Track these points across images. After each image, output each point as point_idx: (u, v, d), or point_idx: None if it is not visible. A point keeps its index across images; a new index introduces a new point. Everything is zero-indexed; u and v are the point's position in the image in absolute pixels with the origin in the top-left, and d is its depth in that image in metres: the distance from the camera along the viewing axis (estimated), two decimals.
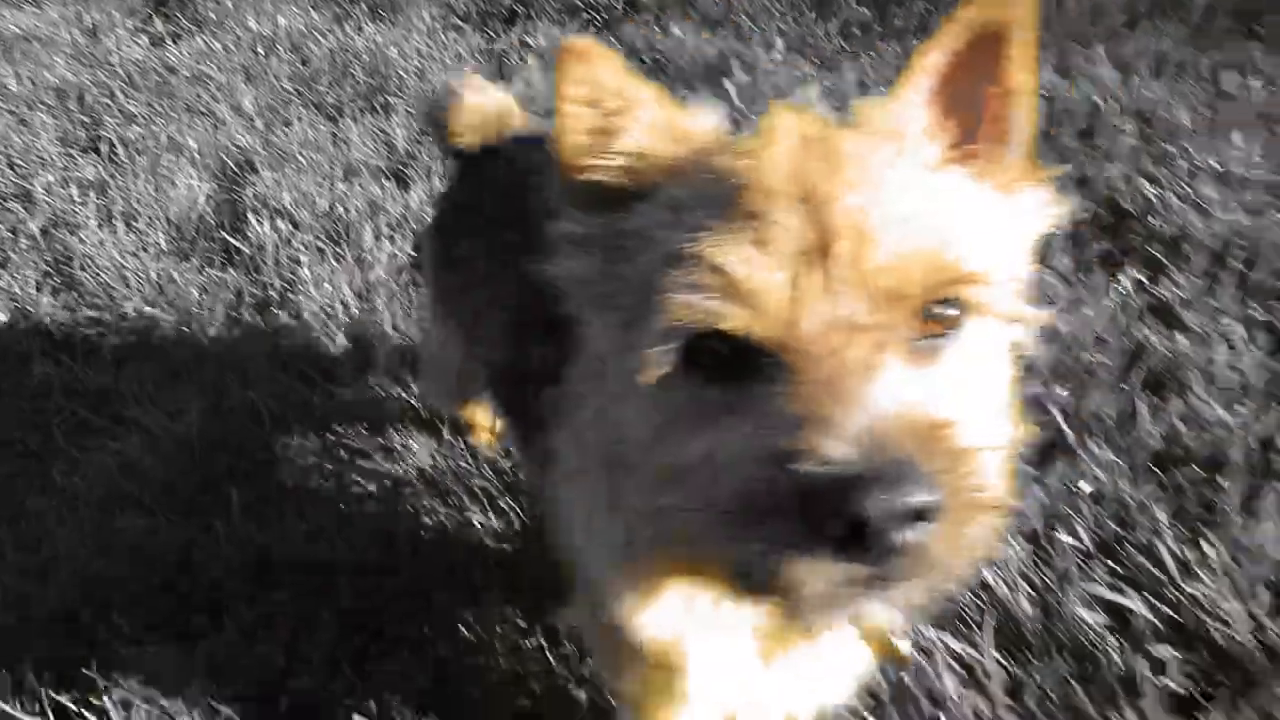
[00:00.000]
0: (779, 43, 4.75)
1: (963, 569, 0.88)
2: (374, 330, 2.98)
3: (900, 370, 0.89)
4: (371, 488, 2.48)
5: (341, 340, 2.98)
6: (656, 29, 5.08)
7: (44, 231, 3.74)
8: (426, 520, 2.37)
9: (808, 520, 0.81)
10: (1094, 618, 2.00)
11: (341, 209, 3.58)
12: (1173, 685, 1.87)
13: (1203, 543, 2.07)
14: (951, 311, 0.95)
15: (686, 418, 0.96)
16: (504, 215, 1.84)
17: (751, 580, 0.90)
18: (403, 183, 3.80)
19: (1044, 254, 3.01)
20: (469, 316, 1.97)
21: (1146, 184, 3.32)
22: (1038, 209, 1.10)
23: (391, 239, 3.41)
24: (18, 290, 3.40)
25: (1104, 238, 3.12)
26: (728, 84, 4.27)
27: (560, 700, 1.98)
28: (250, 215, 3.59)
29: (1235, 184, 3.30)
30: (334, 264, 3.32)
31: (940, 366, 0.95)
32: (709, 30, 5.01)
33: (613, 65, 1.04)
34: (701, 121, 1.08)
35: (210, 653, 2.08)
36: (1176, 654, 1.92)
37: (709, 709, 1.38)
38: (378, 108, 4.50)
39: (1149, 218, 3.13)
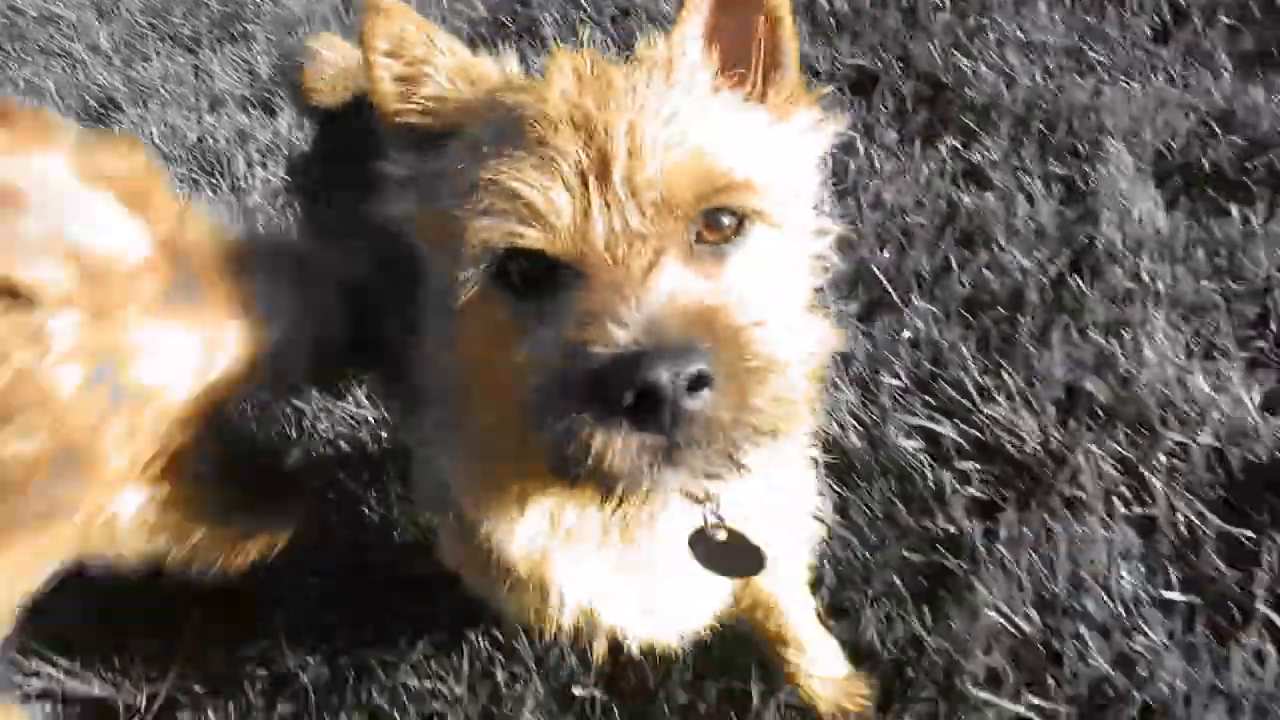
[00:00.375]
0: None
1: (753, 431, 0.99)
2: None
3: (679, 270, 1.01)
4: None
5: None
6: None
7: None
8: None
9: (601, 398, 0.93)
10: (911, 445, 2.32)
11: (211, 140, 3.68)
12: (975, 493, 2.21)
13: (1003, 372, 2.40)
14: (728, 220, 1.08)
15: (506, 330, 1.08)
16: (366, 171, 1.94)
17: (566, 466, 0.99)
18: (269, 110, 3.90)
19: (870, 130, 3.31)
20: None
21: (962, 57, 3.60)
22: (811, 128, 1.23)
23: (264, 165, 3.54)
24: None
25: (924, 109, 3.40)
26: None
27: None
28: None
29: (1038, 51, 3.59)
30: (210, 194, 3.44)
31: (726, 270, 1.08)
32: None
33: (413, 19, 1.18)
34: (494, 65, 1.21)
35: None
36: (978, 466, 2.26)
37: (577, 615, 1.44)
38: (236, 36, 4.54)
39: (964, 89, 3.41)
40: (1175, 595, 2.00)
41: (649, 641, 1.50)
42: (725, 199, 1.07)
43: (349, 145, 2.08)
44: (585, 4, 4.09)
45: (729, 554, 1.31)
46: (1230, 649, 1.89)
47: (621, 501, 1.06)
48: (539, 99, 1.08)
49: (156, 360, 1.10)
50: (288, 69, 2.24)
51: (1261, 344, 2.46)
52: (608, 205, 1.02)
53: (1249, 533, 2.10)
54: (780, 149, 1.19)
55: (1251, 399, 2.30)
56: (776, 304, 1.11)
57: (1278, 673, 1.86)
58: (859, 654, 1.98)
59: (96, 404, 1.05)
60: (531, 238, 1.02)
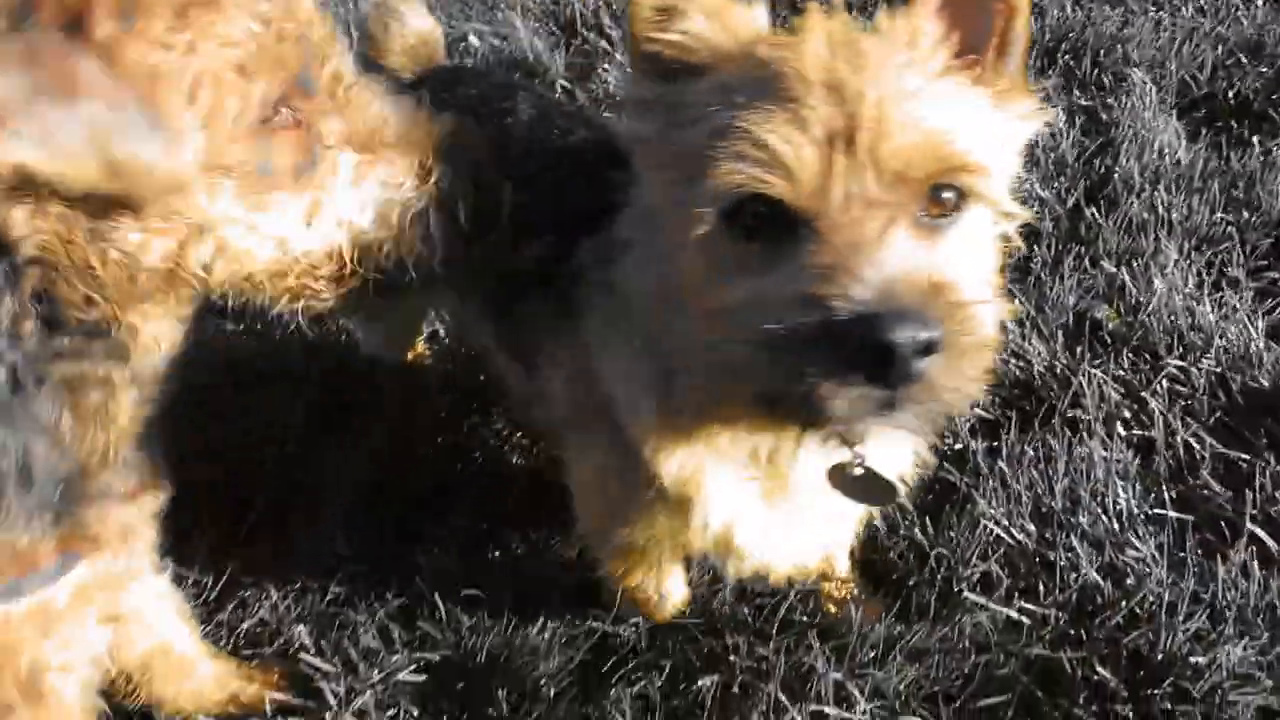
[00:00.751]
0: None
1: (958, 399, 1.09)
2: None
3: (908, 239, 1.09)
4: None
5: None
6: None
7: None
8: None
9: (838, 350, 1.02)
10: None
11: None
12: (981, 413, 2.32)
13: (1015, 299, 2.49)
14: (951, 196, 1.15)
15: (730, 267, 1.16)
16: None
17: (782, 404, 1.12)
18: None
19: None
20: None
21: None
22: (1026, 116, 1.28)
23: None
24: None
25: None
26: None
27: None
28: None
29: None
30: None
31: (943, 242, 1.14)
32: None
33: None
34: (750, 15, 1.27)
35: None
36: (987, 390, 2.36)
37: (719, 541, 1.56)
38: None
39: None
40: (1168, 513, 2.11)
41: (767, 566, 1.62)
42: (954, 177, 1.14)
43: None
44: None
45: (866, 486, 1.43)
46: (1217, 564, 2.01)
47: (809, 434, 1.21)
48: (796, 57, 1.13)
49: None
50: (372, 20, 2.18)
51: (1273, 274, 2.54)
52: (849, 168, 1.08)
53: (1245, 456, 2.21)
54: (997, 133, 1.24)
55: (1257, 327, 2.38)
56: (979, 280, 1.19)
57: (1261, 586, 1.98)
58: (869, 562, 2.12)
59: None
60: (776, 187, 1.09)
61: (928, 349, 1.01)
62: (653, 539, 1.66)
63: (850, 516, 1.67)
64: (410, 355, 2.61)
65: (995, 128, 1.23)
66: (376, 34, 2.13)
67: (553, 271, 1.63)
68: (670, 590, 1.89)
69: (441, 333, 2.69)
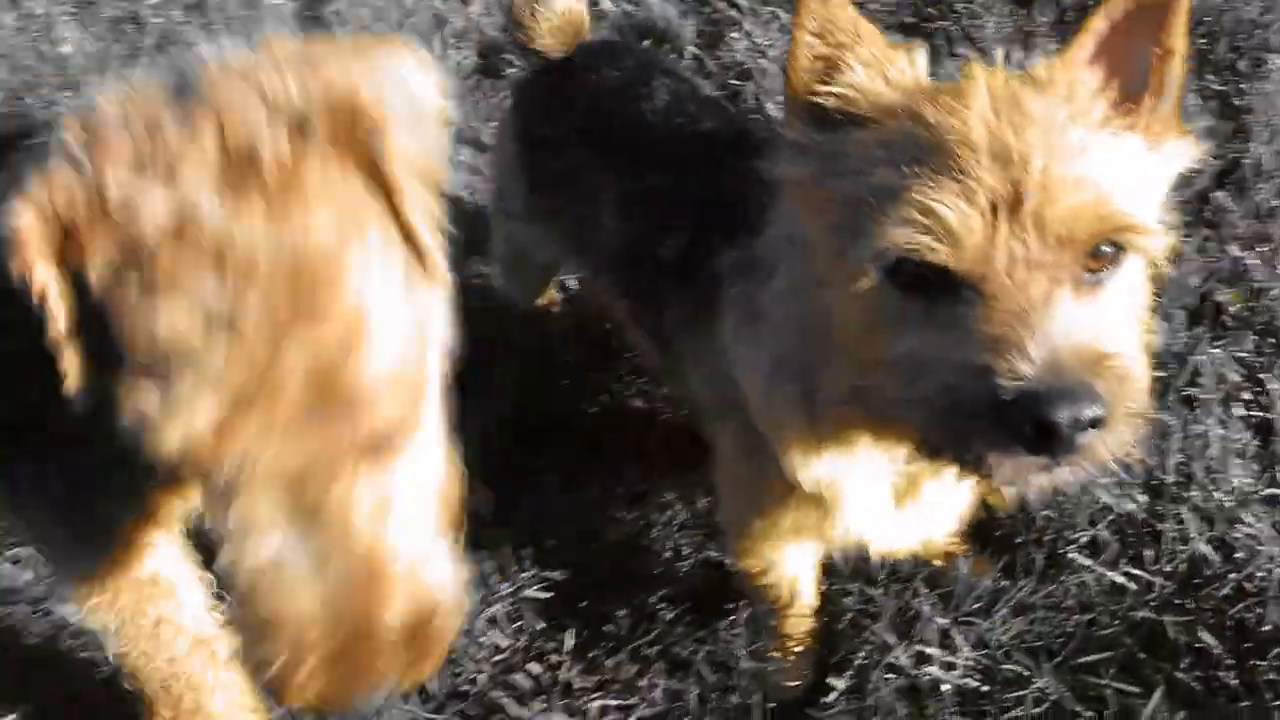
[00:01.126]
0: None
1: (1115, 458, 1.15)
2: None
3: (1072, 303, 1.12)
4: None
5: None
6: None
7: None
8: None
9: (1004, 424, 1.09)
10: None
11: (411, 22, 3.98)
12: None
13: None
14: (1110, 250, 1.18)
15: (891, 322, 1.21)
16: (609, 120, 2.02)
17: (940, 456, 1.22)
18: None
19: (1029, 39, 3.37)
20: (575, 213, 2.07)
21: None
22: (1180, 156, 1.29)
23: (458, 49, 3.83)
24: None
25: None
26: None
27: None
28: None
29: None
30: None
31: (1102, 299, 1.17)
32: None
33: (846, 6, 1.28)
34: (911, 68, 1.29)
35: None
36: None
37: (850, 539, 1.65)
38: None
39: None
40: None
41: (888, 553, 1.73)
42: (1117, 236, 1.18)
43: (542, 98, 2.21)
44: None
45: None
46: None
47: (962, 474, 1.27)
48: (961, 122, 1.17)
49: None
50: (516, 9, 2.21)
51: None
52: (1014, 233, 1.13)
53: None
54: (1153, 177, 1.26)
55: None
56: (1135, 328, 1.24)
57: None
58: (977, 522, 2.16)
59: None
60: (942, 254, 1.14)
61: (1092, 424, 1.08)
62: (781, 530, 1.73)
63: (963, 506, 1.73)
64: (542, 302, 2.72)
65: (1151, 171, 1.25)
66: (523, 20, 2.18)
67: (693, 269, 1.71)
68: (801, 590, 1.90)
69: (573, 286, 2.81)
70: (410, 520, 1.13)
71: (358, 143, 1.09)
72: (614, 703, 1.91)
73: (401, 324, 1.08)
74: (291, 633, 1.08)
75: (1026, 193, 1.12)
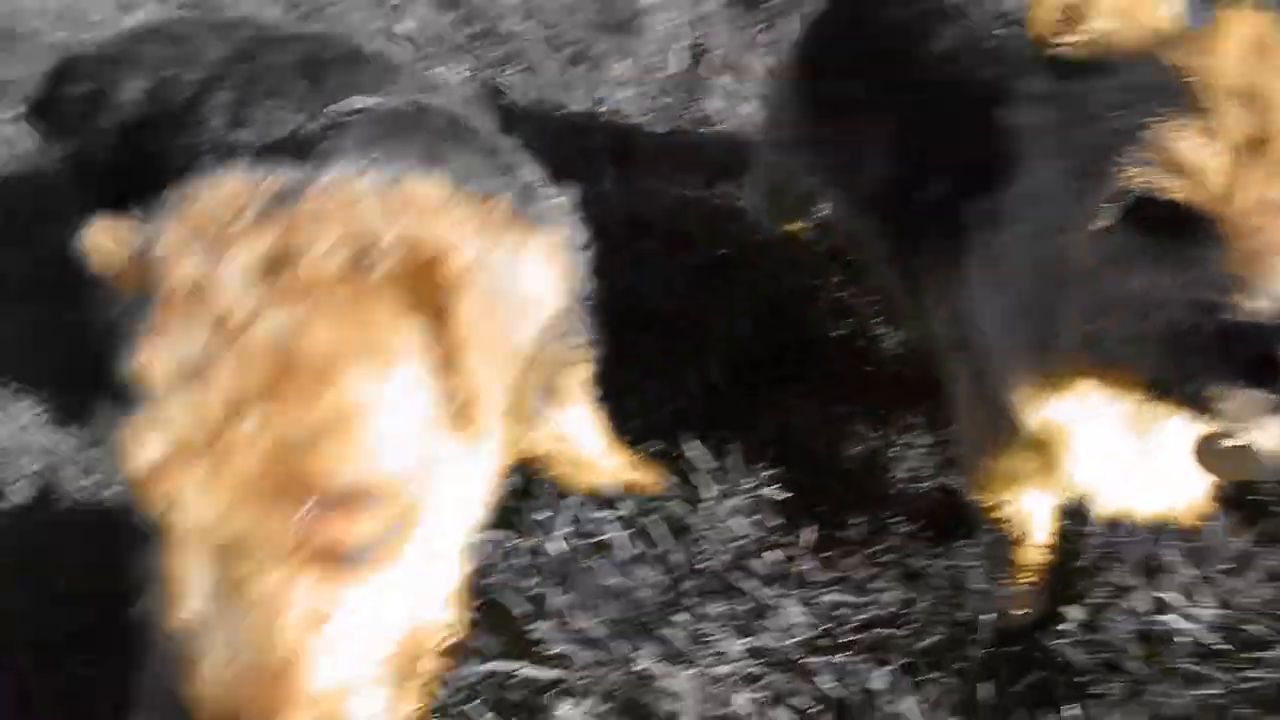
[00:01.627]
0: None
1: None
2: None
3: None
4: None
5: None
6: None
7: None
8: None
9: (1233, 357, 1.09)
10: None
11: None
12: None
13: None
14: None
15: (1124, 261, 1.22)
16: (892, 59, 2.02)
17: (1170, 395, 1.21)
18: None
19: None
20: (848, 148, 2.09)
21: None
22: None
23: None
24: None
25: None
26: None
27: None
28: None
29: None
30: None
31: None
32: None
33: None
34: (1161, 11, 1.29)
35: None
36: None
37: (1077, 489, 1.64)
38: None
39: None
40: None
41: (1129, 510, 1.68)
42: None
43: (829, 28, 2.24)
44: None
45: (1234, 458, 1.45)
46: None
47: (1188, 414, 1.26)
48: (1210, 63, 1.17)
49: None
50: None
51: None
52: (1259, 175, 1.12)
53: None
54: None
55: None
56: None
57: None
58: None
59: None
60: (1183, 192, 1.15)
61: None
62: (1010, 472, 1.75)
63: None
64: (792, 227, 2.78)
65: None
66: None
67: (948, 213, 1.69)
68: (1035, 526, 1.91)
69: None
70: (344, 647, 1.07)
71: (427, 294, 1.13)
72: (848, 598, 1.98)
73: (402, 451, 1.08)
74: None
75: (1275, 135, 1.11)
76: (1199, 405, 1.18)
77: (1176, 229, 1.17)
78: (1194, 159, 1.13)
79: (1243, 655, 1.85)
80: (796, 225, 2.78)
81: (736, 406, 2.32)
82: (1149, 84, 1.22)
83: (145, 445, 1.00)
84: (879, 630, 1.96)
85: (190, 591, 1.01)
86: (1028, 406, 1.53)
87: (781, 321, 2.55)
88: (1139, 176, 1.17)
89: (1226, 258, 1.12)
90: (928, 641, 1.94)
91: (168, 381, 1.01)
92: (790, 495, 2.13)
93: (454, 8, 3.94)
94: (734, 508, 2.10)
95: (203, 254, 1.08)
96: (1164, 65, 1.22)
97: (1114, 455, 1.55)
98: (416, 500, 1.10)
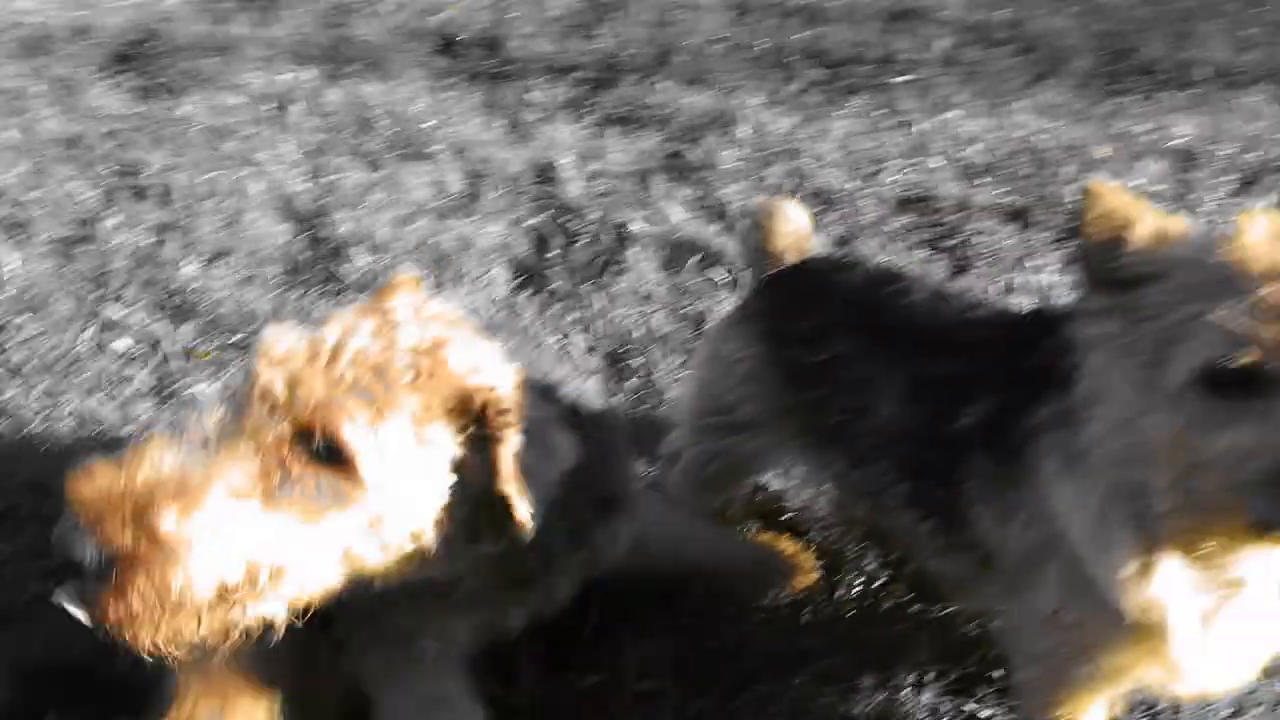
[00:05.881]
0: (757, 98, 5.45)
1: None
2: None
3: None
4: None
5: None
6: (649, 84, 5.74)
7: (135, 268, 4.10)
8: None
9: None
10: None
11: (432, 242, 4.12)
12: None
13: None
14: None
15: (1209, 423, 1.43)
16: (877, 313, 2.23)
17: (1273, 527, 1.40)
18: (468, 215, 4.39)
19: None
20: (840, 404, 2.22)
21: None
22: None
23: (488, 267, 3.98)
24: (141, 319, 3.75)
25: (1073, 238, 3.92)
26: (737, 133, 5.00)
27: None
28: (348, 250, 4.09)
29: (1151, 198, 4.20)
30: (446, 288, 3.85)
31: None
32: (689, 86, 5.69)
33: (1118, 193, 1.57)
34: (1180, 226, 1.57)
35: None
36: None
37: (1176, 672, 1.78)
38: (412, 156, 5.02)
39: None
40: None
41: (1206, 690, 1.84)
42: None
43: (788, 300, 2.42)
44: None
45: None
46: None
47: None
48: (1247, 255, 1.41)
49: None
50: (750, 230, 2.57)
51: None
52: None
53: None
54: None
55: None
56: None
57: None
58: None
59: None
60: (1245, 356, 1.36)
61: None
62: (1110, 671, 1.87)
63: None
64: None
65: None
66: (765, 224, 2.51)
67: (998, 432, 1.90)
68: None
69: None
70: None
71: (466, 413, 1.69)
72: None
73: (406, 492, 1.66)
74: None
75: None
76: None
77: (1247, 389, 1.38)
78: (1251, 326, 1.35)
79: None
80: (725, 500, 2.81)
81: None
82: (1198, 279, 1.45)
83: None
84: None
85: None
86: (1127, 587, 1.66)
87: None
88: (1209, 349, 1.39)
89: None
90: None
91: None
92: None
93: None
94: None
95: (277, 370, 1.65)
96: (1205, 264, 1.46)
97: (1204, 629, 1.69)
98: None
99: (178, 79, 6.13)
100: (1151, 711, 2.23)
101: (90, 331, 3.68)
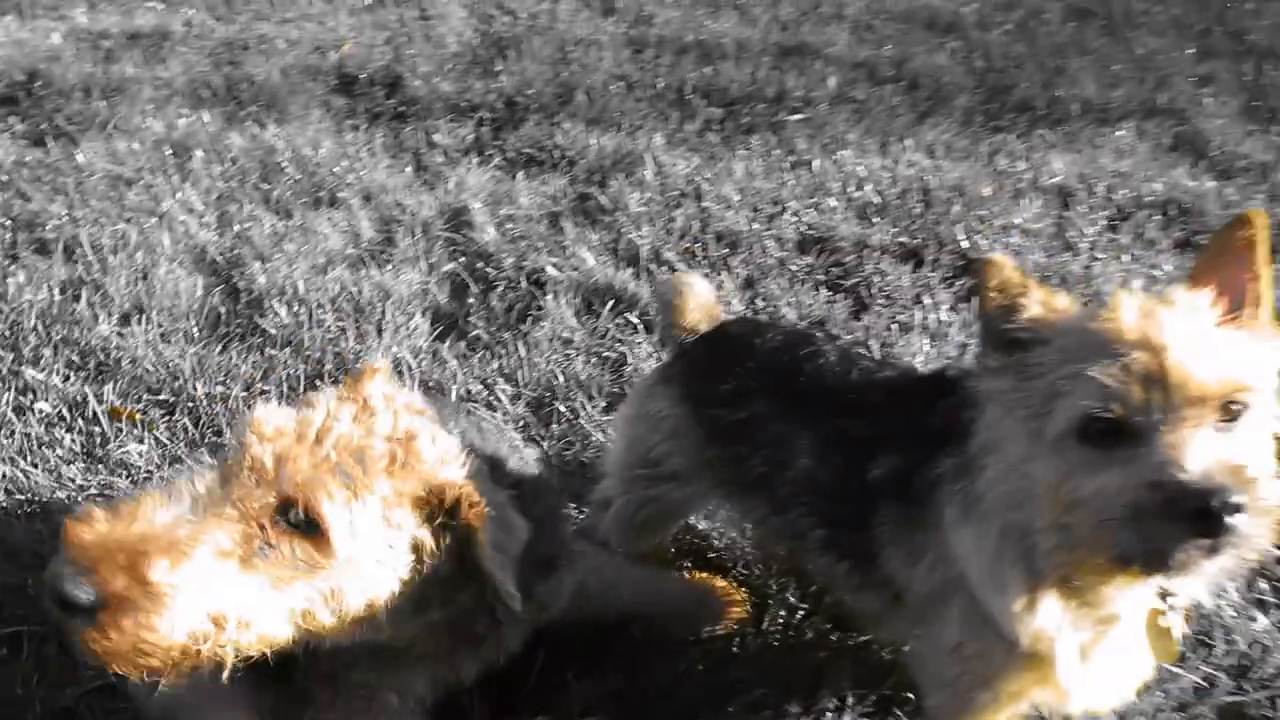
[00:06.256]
0: (658, 138, 5.66)
1: (1259, 544, 1.60)
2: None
3: (1213, 436, 1.63)
4: None
5: None
6: (552, 125, 5.89)
7: (48, 327, 4.04)
8: None
9: (1181, 515, 1.56)
10: None
11: (351, 291, 4.18)
12: None
13: None
14: (1237, 406, 1.67)
15: (1083, 468, 1.70)
16: (791, 375, 2.43)
17: (1134, 561, 1.65)
18: (381, 265, 4.46)
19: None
20: (760, 458, 2.43)
21: (980, 240, 4.50)
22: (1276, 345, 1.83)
23: (409, 316, 4.07)
24: (60, 381, 3.72)
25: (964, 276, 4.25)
26: (643, 175, 5.18)
27: None
28: (267, 301, 4.13)
29: (1032, 235, 4.59)
30: (369, 339, 3.94)
31: (1234, 436, 1.67)
32: (593, 126, 5.87)
33: (1012, 267, 1.83)
34: (1069, 302, 1.85)
35: None
36: None
37: (1055, 689, 2.04)
38: (323, 202, 5.08)
39: None
40: None
41: (1092, 708, 2.09)
42: (1237, 396, 1.68)
43: (707, 363, 2.61)
44: None
45: (1161, 639, 1.95)
46: None
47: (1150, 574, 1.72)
48: (1118, 327, 1.69)
49: None
50: (662, 299, 2.78)
51: None
52: (1165, 397, 1.63)
53: None
54: (1261, 360, 1.77)
55: None
56: (1264, 459, 1.71)
57: None
58: None
59: None
60: (1115, 411, 1.64)
61: (1238, 509, 1.55)
62: (1007, 696, 2.11)
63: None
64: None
65: (1259, 356, 1.78)
66: (674, 301, 2.71)
67: (905, 482, 2.13)
68: None
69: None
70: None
71: (425, 492, 1.89)
72: None
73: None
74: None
75: (1170, 370, 1.62)
76: (1158, 564, 1.63)
77: (1113, 440, 1.66)
78: (1120, 387, 1.63)
79: None
80: (656, 542, 2.97)
81: None
82: (1079, 345, 1.72)
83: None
84: None
85: None
86: (1019, 619, 1.93)
87: None
88: (1085, 405, 1.65)
89: (1160, 452, 1.60)
90: None
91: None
92: None
93: None
94: None
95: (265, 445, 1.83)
96: (1086, 332, 1.73)
97: (1083, 653, 1.96)
98: None
99: (68, 123, 6.07)
100: None
101: (8, 396, 3.65)
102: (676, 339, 2.71)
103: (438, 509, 1.91)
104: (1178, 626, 1.97)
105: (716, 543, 3.09)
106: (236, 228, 4.77)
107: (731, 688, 2.62)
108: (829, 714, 2.54)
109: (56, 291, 4.28)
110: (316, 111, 6.23)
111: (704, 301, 2.72)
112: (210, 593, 1.73)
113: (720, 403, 2.50)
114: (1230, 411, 1.67)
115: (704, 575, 2.93)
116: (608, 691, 2.59)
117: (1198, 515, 1.55)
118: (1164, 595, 1.92)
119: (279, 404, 1.93)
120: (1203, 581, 1.95)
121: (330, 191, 5.16)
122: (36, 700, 2.54)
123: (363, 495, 1.81)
